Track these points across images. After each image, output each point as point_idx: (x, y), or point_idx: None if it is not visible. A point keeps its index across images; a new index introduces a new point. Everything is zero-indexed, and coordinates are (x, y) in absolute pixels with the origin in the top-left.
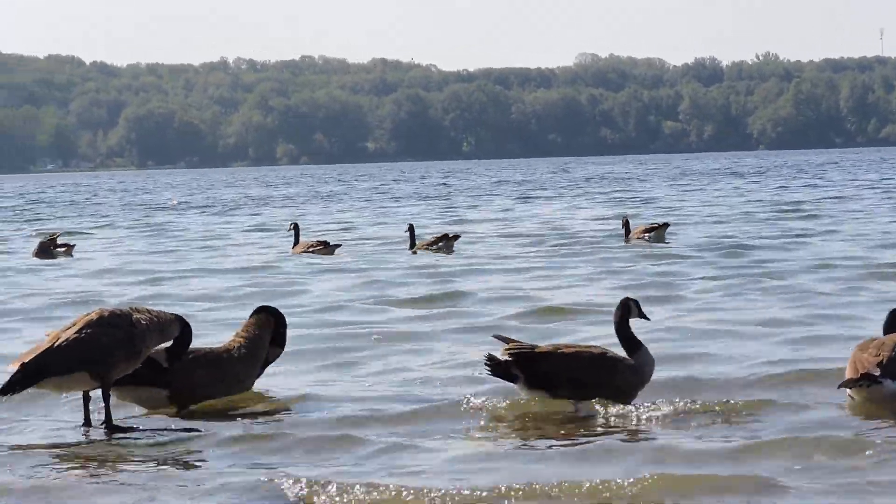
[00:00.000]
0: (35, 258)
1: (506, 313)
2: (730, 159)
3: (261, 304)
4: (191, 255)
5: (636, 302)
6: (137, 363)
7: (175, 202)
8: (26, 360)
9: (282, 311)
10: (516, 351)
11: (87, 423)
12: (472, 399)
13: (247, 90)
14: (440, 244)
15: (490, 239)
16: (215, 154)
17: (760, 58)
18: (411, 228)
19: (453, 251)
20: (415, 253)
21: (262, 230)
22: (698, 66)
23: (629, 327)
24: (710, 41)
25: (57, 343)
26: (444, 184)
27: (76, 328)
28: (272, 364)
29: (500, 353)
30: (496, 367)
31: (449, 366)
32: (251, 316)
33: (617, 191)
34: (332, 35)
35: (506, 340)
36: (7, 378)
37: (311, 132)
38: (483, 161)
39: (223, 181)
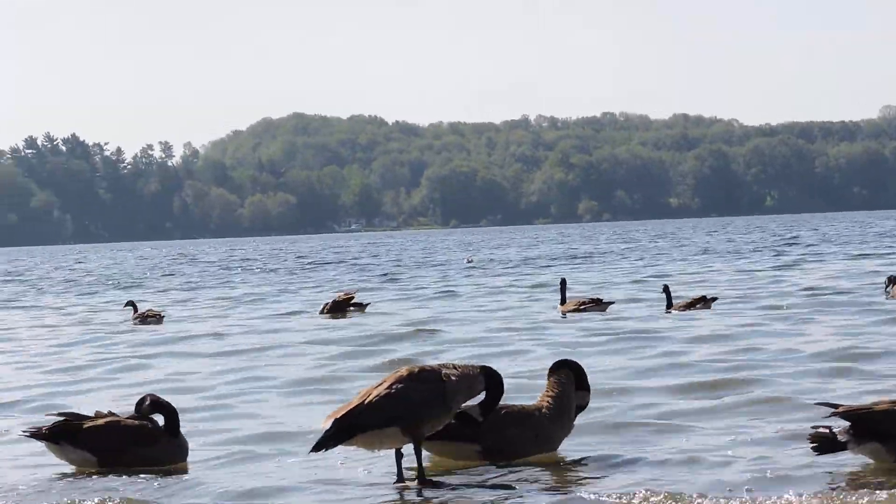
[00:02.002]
0: (324, 315)
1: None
2: None
3: (557, 360)
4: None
5: None
6: (448, 419)
7: (469, 261)
8: (338, 417)
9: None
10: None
11: (401, 478)
12: None
13: (548, 148)
14: (697, 306)
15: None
16: (518, 211)
17: None
18: (666, 288)
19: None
20: (668, 312)
21: (539, 287)
22: None
23: None
24: None
25: (368, 399)
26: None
27: (387, 385)
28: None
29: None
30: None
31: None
32: (551, 374)
33: None
34: (632, 91)
35: (833, 406)
36: (320, 435)
37: (612, 188)
38: (785, 216)
39: (515, 240)
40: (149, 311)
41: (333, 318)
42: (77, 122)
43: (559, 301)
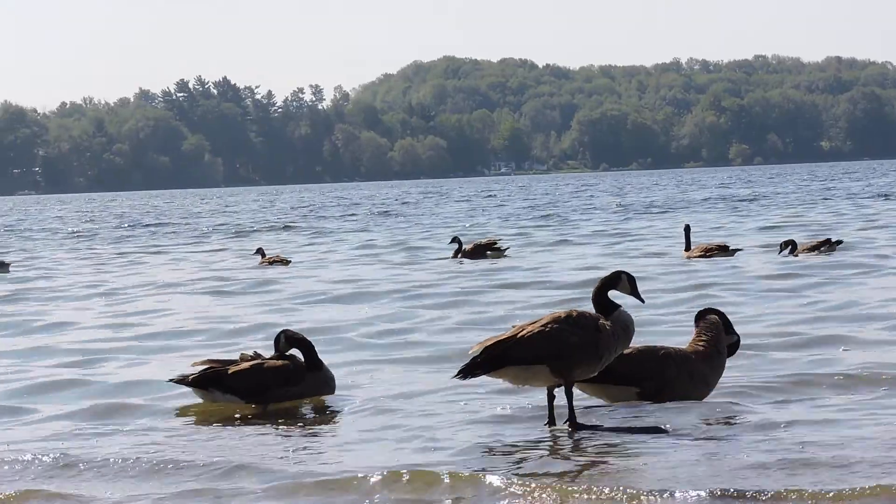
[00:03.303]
0: (463, 258)
1: None
2: None
3: (703, 308)
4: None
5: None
6: (599, 368)
7: (616, 205)
8: (488, 345)
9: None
10: None
11: (552, 420)
12: None
13: (699, 91)
14: (822, 249)
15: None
16: (668, 155)
17: None
18: (789, 243)
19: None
20: (796, 255)
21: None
22: None
23: None
24: None
25: (521, 334)
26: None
27: (542, 323)
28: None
29: None
30: None
31: None
32: (699, 320)
33: None
34: (785, 33)
35: None
36: (468, 361)
37: (764, 132)
38: None
39: (659, 184)
40: (276, 256)
41: (469, 261)
42: (228, 65)
43: (684, 247)
